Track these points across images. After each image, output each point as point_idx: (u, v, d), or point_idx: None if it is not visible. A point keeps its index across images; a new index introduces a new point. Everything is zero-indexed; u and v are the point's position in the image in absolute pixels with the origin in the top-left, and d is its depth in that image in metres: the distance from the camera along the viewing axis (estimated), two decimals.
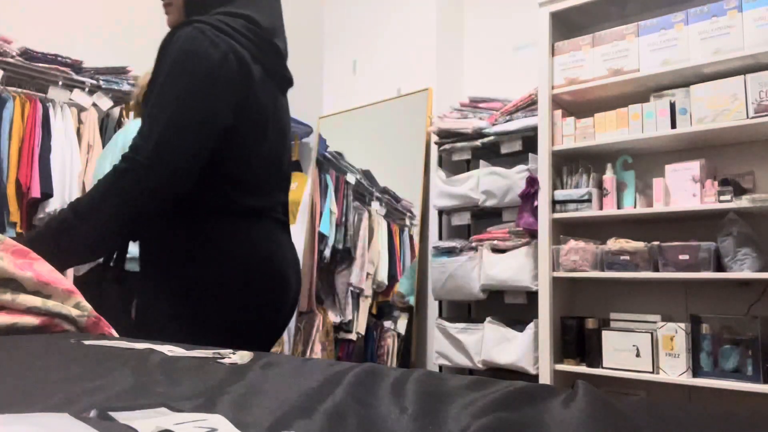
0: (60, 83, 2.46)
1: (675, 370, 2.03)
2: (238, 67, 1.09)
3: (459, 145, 2.75)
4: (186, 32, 1.06)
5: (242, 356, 0.66)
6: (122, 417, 0.38)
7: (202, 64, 1.04)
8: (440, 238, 2.89)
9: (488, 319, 2.52)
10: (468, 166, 2.85)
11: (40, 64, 2.41)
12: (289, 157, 1.27)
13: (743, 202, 1.95)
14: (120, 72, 2.64)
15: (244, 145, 1.12)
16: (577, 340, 2.28)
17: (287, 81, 1.27)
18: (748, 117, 1.98)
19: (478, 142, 2.67)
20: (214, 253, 1.09)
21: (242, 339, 0.96)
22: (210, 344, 0.77)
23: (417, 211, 3.05)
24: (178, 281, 1.08)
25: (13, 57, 2.34)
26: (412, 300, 2.96)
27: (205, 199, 1.09)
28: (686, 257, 2.04)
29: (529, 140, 2.50)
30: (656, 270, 2.11)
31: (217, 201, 1.10)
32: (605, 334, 2.19)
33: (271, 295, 1.15)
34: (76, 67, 2.52)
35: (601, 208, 2.28)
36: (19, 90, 2.35)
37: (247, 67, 1.11)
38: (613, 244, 2.21)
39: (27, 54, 2.39)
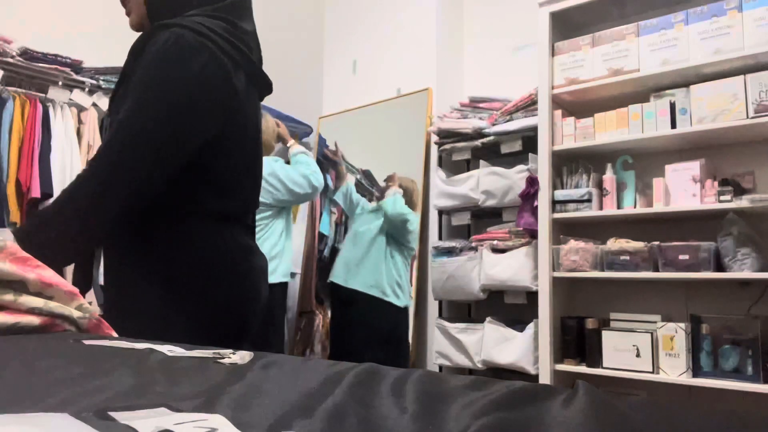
0: (60, 83, 2.46)
1: (675, 370, 2.03)
2: (221, 76, 1.05)
3: (459, 145, 2.75)
4: (164, 37, 1.02)
5: (242, 356, 0.66)
6: (122, 417, 0.38)
7: (182, 75, 1.00)
8: (440, 238, 2.89)
9: (488, 319, 2.52)
10: (468, 166, 2.86)
11: (40, 64, 2.41)
12: (261, 162, 1.27)
13: (743, 202, 1.95)
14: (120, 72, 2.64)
15: (225, 153, 1.10)
16: (577, 340, 2.28)
17: (268, 87, 1.24)
18: (748, 117, 1.98)
19: (478, 142, 2.67)
20: (186, 255, 1.09)
21: (203, 341, 0.96)
22: (172, 340, 0.78)
23: (417, 211, 3.05)
24: (147, 278, 1.08)
25: (13, 57, 2.34)
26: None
27: (181, 202, 1.09)
28: (686, 257, 2.04)
29: (529, 140, 2.50)
30: (656, 270, 2.11)
31: (193, 204, 1.10)
32: (605, 334, 2.19)
33: (240, 300, 1.14)
34: (76, 67, 2.52)
35: (601, 208, 2.28)
36: (19, 90, 2.35)
37: (229, 74, 1.07)
38: (613, 244, 2.21)
39: (27, 54, 2.39)
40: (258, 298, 1.18)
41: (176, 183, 1.07)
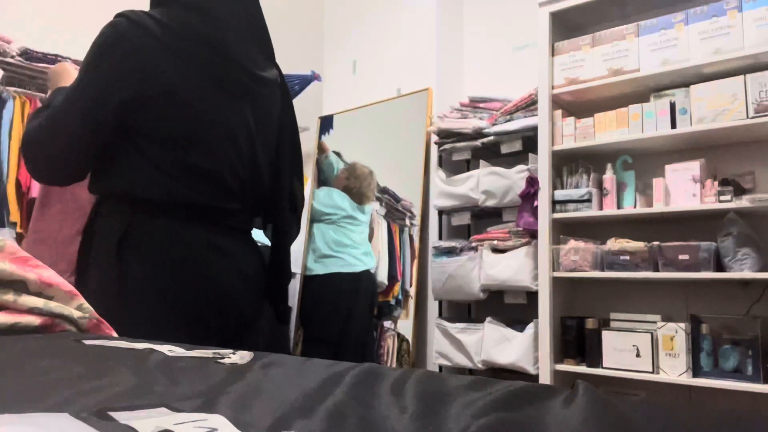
0: None
1: (675, 370, 2.03)
2: (143, 61, 1.09)
3: (459, 145, 2.75)
4: (103, 27, 1.12)
5: (242, 356, 0.66)
6: (122, 417, 0.38)
7: (101, 59, 1.09)
8: (440, 238, 2.89)
9: (488, 319, 2.52)
10: (468, 166, 2.85)
11: (40, 64, 2.41)
12: (253, 164, 1.24)
13: (743, 202, 1.95)
14: None
15: (169, 138, 1.11)
16: (577, 340, 2.28)
17: (239, 85, 1.21)
18: (748, 117, 1.97)
19: (478, 142, 2.67)
20: (143, 256, 1.08)
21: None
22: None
23: (417, 211, 3.05)
24: (109, 281, 1.08)
25: (13, 57, 2.34)
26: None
27: (142, 194, 1.09)
28: (686, 257, 2.04)
29: (529, 140, 2.50)
30: (656, 270, 2.11)
31: (154, 196, 1.10)
32: (605, 334, 2.19)
33: (197, 301, 1.12)
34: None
35: (601, 208, 2.28)
36: (19, 90, 2.35)
37: (156, 61, 1.10)
38: (613, 244, 2.21)
39: (27, 54, 2.38)
40: (222, 299, 1.16)
41: (135, 177, 1.09)
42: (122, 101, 1.09)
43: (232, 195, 1.20)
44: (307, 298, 3.13)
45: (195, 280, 1.12)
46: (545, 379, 2.25)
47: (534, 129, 2.43)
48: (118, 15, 1.13)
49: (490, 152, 2.70)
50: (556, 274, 2.30)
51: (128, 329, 0.93)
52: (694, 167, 2.09)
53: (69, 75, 1.24)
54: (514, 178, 2.50)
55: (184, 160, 1.12)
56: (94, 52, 1.11)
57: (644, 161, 2.31)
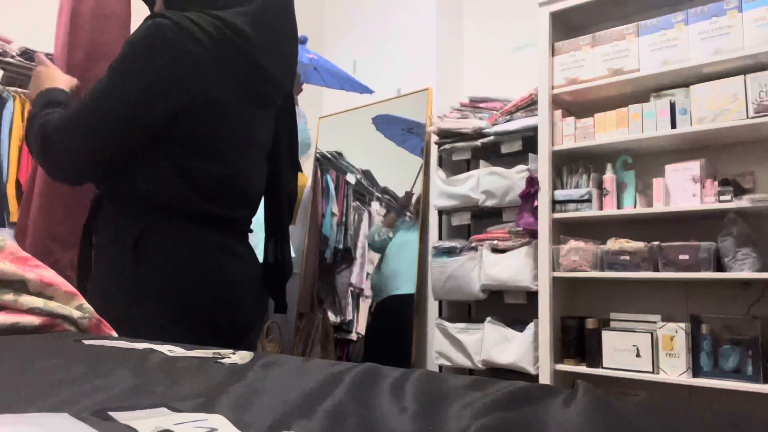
0: None
1: (675, 370, 2.03)
2: (189, 72, 1.07)
3: (459, 145, 2.75)
4: (143, 27, 1.07)
5: (242, 356, 0.66)
6: (122, 417, 0.38)
7: (144, 68, 1.04)
8: (440, 238, 2.89)
9: (488, 319, 2.52)
10: (468, 166, 2.85)
11: None
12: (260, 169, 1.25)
13: (743, 202, 1.95)
14: None
15: (199, 146, 1.10)
16: (577, 340, 2.28)
17: (263, 97, 1.21)
18: (748, 117, 1.97)
19: (478, 142, 2.67)
20: (161, 257, 1.08)
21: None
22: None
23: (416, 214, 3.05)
24: (122, 281, 1.08)
25: (13, 57, 2.34)
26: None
27: (160, 199, 1.09)
28: (686, 257, 2.04)
29: (529, 140, 2.50)
30: (656, 270, 2.11)
31: (173, 202, 1.09)
32: (605, 334, 2.19)
33: (209, 303, 1.12)
34: None
35: (601, 208, 2.28)
36: (19, 90, 2.35)
37: (200, 68, 1.08)
38: (613, 244, 2.21)
39: (27, 54, 2.39)
40: (234, 301, 1.16)
41: (155, 179, 1.08)
42: (166, 107, 1.06)
43: (247, 204, 1.22)
44: (400, 317, 2.97)
45: (210, 282, 1.12)
46: (545, 379, 2.25)
47: (534, 129, 2.43)
48: (157, 15, 1.08)
49: (490, 152, 2.70)
50: (556, 274, 2.30)
51: (140, 329, 0.93)
52: (694, 167, 2.09)
53: (52, 78, 1.21)
54: (514, 178, 2.50)
55: (210, 170, 1.12)
56: (137, 52, 1.05)
57: (644, 161, 2.31)
